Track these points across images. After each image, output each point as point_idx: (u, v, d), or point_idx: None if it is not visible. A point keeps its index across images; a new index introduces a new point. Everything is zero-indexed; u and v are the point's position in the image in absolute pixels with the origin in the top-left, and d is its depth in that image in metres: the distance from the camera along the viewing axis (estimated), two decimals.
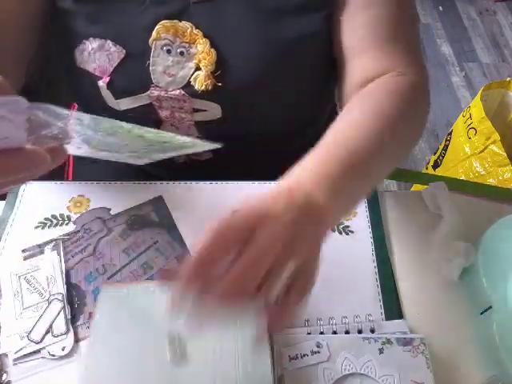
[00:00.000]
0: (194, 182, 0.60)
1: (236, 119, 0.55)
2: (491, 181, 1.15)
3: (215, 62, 0.51)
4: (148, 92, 0.53)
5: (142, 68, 0.52)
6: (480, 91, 1.23)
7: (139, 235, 0.54)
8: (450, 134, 1.35)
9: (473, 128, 1.21)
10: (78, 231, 0.54)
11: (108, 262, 0.52)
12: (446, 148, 1.35)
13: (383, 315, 0.49)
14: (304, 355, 0.44)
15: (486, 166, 1.18)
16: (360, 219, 0.57)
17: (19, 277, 0.50)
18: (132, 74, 0.53)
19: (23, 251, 0.52)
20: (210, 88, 0.52)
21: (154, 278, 0.51)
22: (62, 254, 0.52)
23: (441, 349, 0.47)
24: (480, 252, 0.51)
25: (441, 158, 1.37)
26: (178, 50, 0.51)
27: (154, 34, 0.50)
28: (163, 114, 0.56)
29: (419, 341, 0.45)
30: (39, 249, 0.52)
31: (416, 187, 1.01)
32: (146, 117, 0.56)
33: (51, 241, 0.53)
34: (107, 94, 0.54)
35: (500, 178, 1.14)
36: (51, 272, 0.50)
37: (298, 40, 0.52)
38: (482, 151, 1.19)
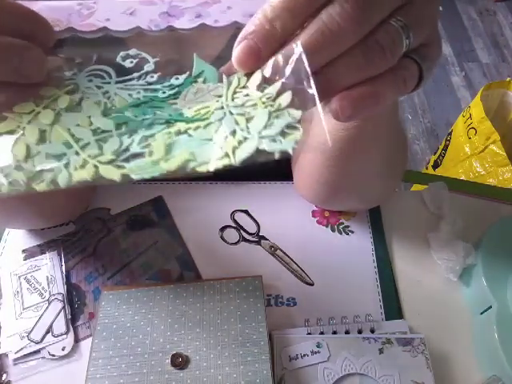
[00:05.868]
0: (193, 182, 0.59)
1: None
2: (491, 181, 1.16)
3: None
4: None
5: None
6: (480, 91, 1.23)
7: (139, 235, 0.54)
8: (450, 134, 1.35)
9: (473, 128, 1.21)
10: (78, 231, 0.54)
11: (108, 262, 0.52)
12: (446, 148, 1.35)
13: (383, 315, 0.49)
14: (304, 355, 0.44)
15: (486, 165, 1.18)
16: (360, 219, 0.57)
17: (19, 277, 0.50)
18: None
19: (23, 251, 0.52)
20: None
21: (154, 278, 0.51)
22: (62, 254, 0.52)
23: (441, 349, 0.47)
24: (480, 252, 0.51)
25: (441, 157, 1.37)
26: None
27: None
28: None
29: (419, 341, 0.45)
30: (39, 249, 0.52)
31: (416, 187, 1.01)
32: None
33: (51, 241, 0.53)
34: None
35: (500, 177, 1.14)
36: (51, 272, 0.50)
37: None
38: (482, 151, 1.19)
